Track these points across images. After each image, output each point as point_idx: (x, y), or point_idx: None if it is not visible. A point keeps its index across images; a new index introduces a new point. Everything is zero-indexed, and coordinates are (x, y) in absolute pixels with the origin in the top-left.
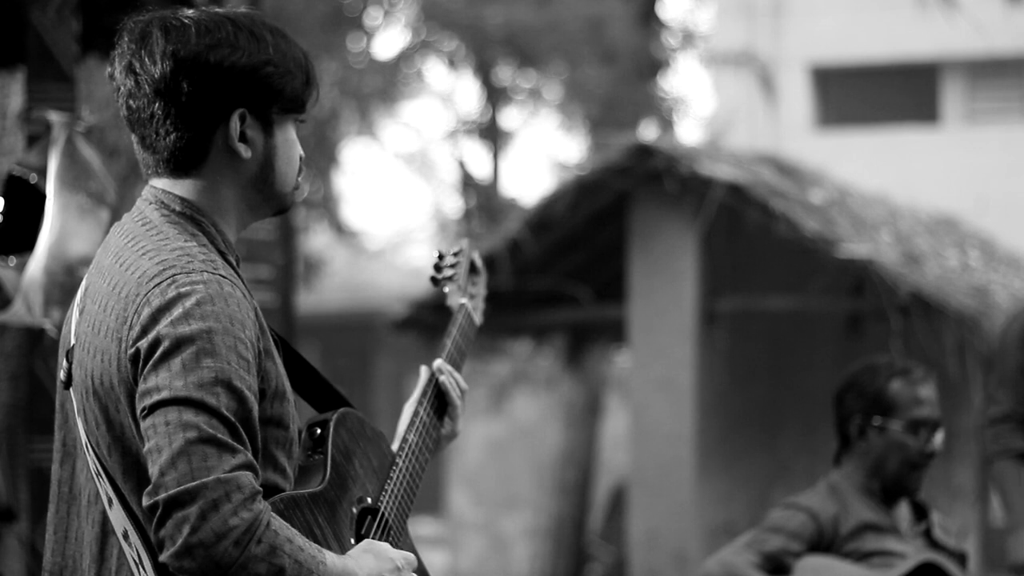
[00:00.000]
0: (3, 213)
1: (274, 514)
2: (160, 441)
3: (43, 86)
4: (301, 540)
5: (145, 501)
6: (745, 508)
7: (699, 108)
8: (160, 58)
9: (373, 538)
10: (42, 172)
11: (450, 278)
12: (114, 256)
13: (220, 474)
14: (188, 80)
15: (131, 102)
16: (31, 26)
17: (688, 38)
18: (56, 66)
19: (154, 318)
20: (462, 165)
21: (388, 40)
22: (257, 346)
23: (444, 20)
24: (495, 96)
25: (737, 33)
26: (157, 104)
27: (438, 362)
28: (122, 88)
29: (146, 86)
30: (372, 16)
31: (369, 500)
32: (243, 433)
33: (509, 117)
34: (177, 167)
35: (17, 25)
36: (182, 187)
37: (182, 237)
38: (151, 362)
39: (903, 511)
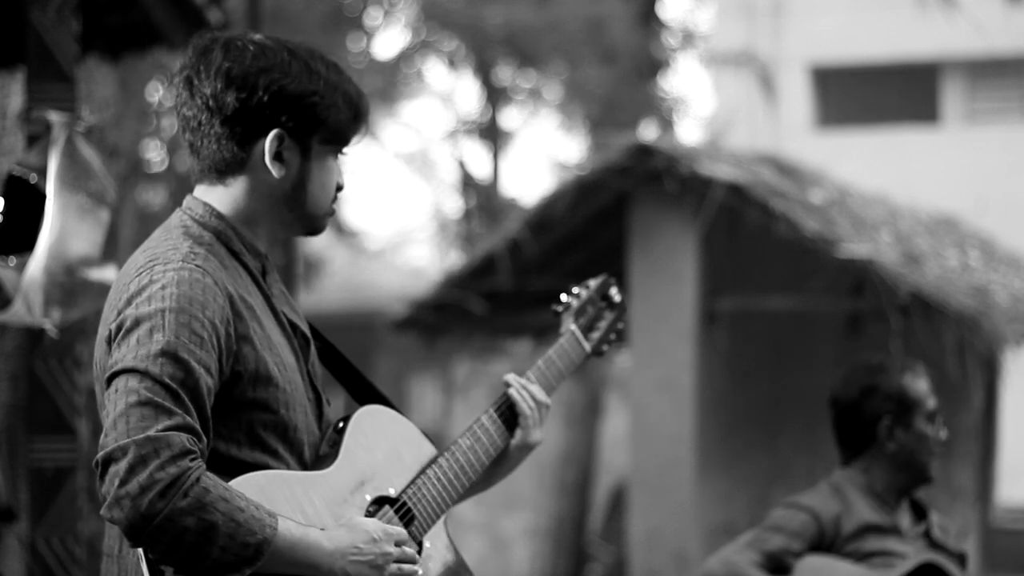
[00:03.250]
0: (3, 213)
1: (210, 475)
2: (109, 407)
3: (43, 86)
4: (244, 503)
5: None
6: (745, 508)
7: (699, 108)
8: (214, 73)
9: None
10: (42, 172)
11: (568, 306)
12: (131, 256)
13: (152, 432)
14: (235, 96)
15: (185, 110)
16: (31, 26)
17: (688, 38)
18: (56, 66)
19: (128, 302)
20: (462, 165)
21: (388, 40)
22: (225, 328)
23: (444, 20)
24: (495, 96)
25: (737, 33)
26: (205, 115)
27: (509, 375)
28: (179, 97)
29: (199, 98)
30: (372, 16)
31: (391, 491)
32: (186, 399)
33: (509, 117)
34: (215, 175)
35: (17, 25)
36: (214, 195)
37: (184, 237)
38: (116, 340)
39: (903, 512)
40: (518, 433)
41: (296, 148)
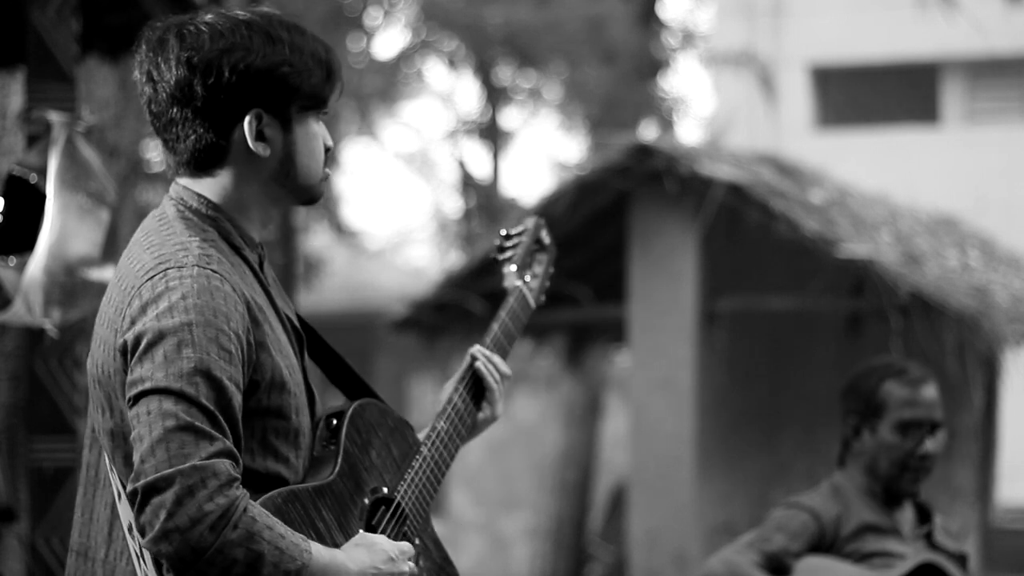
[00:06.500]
0: (3, 213)
1: (253, 502)
2: (142, 430)
3: (43, 86)
4: (283, 528)
5: (128, 488)
6: (745, 508)
7: (699, 108)
8: (175, 64)
9: (385, 528)
10: (42, 172)
11: (509, 259)
12: (128, 250)
13: (196, 461)
14: (202, 85)
15: (152, 107)
16: (31, 26)
17: (688, 38)
18: (56, 66)
19: (142, 310)
20: (462, 165)
21: (388, 40)
22: (246, 338)
23: (444, 20)
24: (495, 96)
25: (737, 33)
26: (175, 109)
27: (475, 348)
28: (144, 95)
29: (163, 92)
30: (372, 16)
31: (385, 490)
32: (223, 421)
33: (509, 117)
34: (198, 168)
35: (17, 25)
36: (203, 185)
37: (188, 232)
38: (137, 354)
39: (907, 514)
40: (485, 407)
41: (276, 123)
